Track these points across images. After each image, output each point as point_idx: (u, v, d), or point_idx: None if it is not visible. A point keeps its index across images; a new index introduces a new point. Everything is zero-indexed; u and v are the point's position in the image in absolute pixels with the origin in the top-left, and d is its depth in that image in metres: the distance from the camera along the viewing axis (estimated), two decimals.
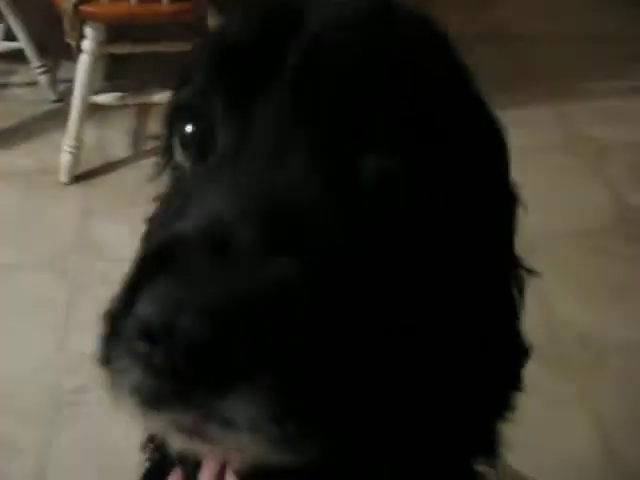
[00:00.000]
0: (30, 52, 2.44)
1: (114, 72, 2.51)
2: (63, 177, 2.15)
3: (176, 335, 0.37)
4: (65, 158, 2.13)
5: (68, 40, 1.90)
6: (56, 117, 2.38)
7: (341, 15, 0.47)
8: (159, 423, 0.41)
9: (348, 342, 0.41)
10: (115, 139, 2.33)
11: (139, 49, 2.29)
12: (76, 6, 1.85)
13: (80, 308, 1.77)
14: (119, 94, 2.16)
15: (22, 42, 2.43)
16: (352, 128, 0.44)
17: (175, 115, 0.51)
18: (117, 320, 0.41)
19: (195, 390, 0.38)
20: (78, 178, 2.18)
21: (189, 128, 0.49)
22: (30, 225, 2.05)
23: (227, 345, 0.37)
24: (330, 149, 0.44)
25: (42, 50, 2.47)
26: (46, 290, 1.84)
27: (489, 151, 0.51)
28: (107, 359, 0.41)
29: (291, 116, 0.44)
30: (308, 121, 0.44)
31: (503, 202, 0.52)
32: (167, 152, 0.53)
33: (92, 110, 2.17)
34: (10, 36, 2.50)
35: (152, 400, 0.39)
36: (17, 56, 2.49)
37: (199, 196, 0.43)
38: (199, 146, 0.48)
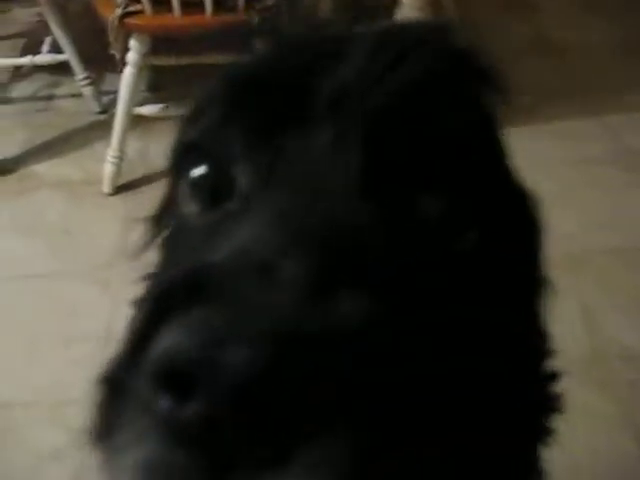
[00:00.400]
0: (75, 64, 2.48)
1: (157, 83, 2.53)
2: (106, 187, 2.18)
3: (222, 376, 0.27)
4: (108, 169, 2.16)
5: (112, 52, 1.91)
6: (100, 128, 2.41)
7: (386, 49, 0.44)
8: None
9: (410, 376, 0.34)
10: (157, 150, 2.34)
11: (183, 61, 2.31)
12: (121, 18, 1.87)
13: (122, 318, 1.78)
14: (162, 106, 2.18)
15: (67, 54, 2.46)
16: (408, 165, 0.41)
17: (182, 157, 0.46)
18: (120, 377, 0.31)
19: (249, 459, 0.28)
20: (120, 188, 2.20)
21: (200, 170, 0.43)
22: (74, 235, 2.07)
23: (299, 387, 0.28)
24: (385, 184, 0.40)
25: (86, 62, 2.50)
26: (88, 300, 1.86)
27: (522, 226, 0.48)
28: (106, 432, 0.31)
29: (334, 148, 0.40)
30: (355, 154, 0.40)
31: (532, 280, 0.49)
32: (169, 201, 0.48)
33: (135, 121, 2.19)
34: (56, 48, 2.54)
35: None
36: (62, 68, 2.53)
37: (223, 236, 0.37)
38: (212, 190, 0.43)
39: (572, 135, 2.14)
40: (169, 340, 0.27)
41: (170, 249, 0.46)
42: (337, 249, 0.34)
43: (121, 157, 2.15)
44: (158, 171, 2.26)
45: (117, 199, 2.18)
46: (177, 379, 0.27)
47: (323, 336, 0.29)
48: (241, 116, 0.42)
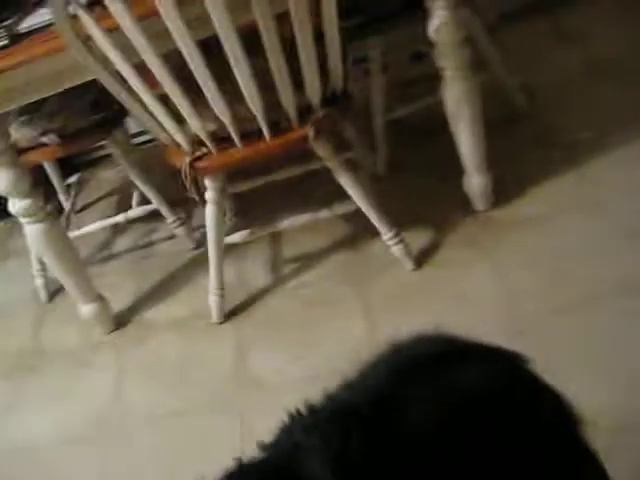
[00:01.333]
0: (164, 210, 2.66)
1: (240, 207, 2.68)
2: (215, 318, 2.30)
3: None
4: (213, 300, 2.28)
5: (190, 196, 2.05)
6: (198, 263, 2.57)
7: None
8: None
9: None
10: (254, 271, 2.47)
11: (257, 183, 2.45)
12: (191, 165, 2.01)
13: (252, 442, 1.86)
14: (249, 230, 2.30)
15: (155, 203, 2.65)
16: None
17: None
18: None
19: None
20: (228, 315, 2.32)
21: None
22: (191, 370, 2.19)
23: None
24: None
25: (173, 204, 2.68)
26: (214, 430, 1.95)
27: None
28: None
29: None
30: None
31: None
32: None
33: (228, 249, 2.32)
34: (144, 199, 2.74)
35: None
36: (154, 215, 2.71)
37: None
38: None
39: None
40: None
41: None
42: None
43: (222, 286, 2.27)
44: (259, 290, 2.38)
45: (227, 326, 2.29)
46: None
47: None
48: None
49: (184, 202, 2.57)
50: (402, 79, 2.84)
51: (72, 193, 3.00)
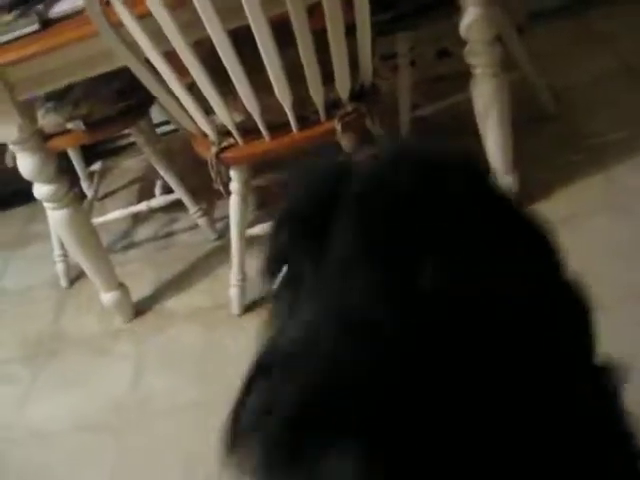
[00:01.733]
0: (186, 200, 2.66)
1: (263, 199, 2.67)
2: (235, 310, 2.30)
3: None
4: (234, 292, 2.28)
5: (216, 186, 2.05)
6: (219, 254, 2.57)
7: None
8: None
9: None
10: None
11: (283, 176, 2.45)
12: (217, 155, 2.01)
13: None
14: (271, 223, 2.29)
15: (178, 193, 2.65)
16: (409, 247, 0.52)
17: (272, 264, 0.63)
18: (238, 412, 0.52)
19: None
20: (249, 307, 2.31)
21: (284, 269, 0.61)
22: (210, 360, 2.19)
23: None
24: (390, 262, 0.52)
25: (196, 195, 2.67)
26: None
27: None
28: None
29: (354, 244, 0.53)
30: (370, 244, 0.53)
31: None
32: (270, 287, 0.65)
33: (250, 241, 2.31)
34: (166, 188, 2.74)
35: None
36: (176, 205, 2.71)
37: (294, 314, 0.54)
38: (291, 280, 0.59)
39: None
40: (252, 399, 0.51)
41: (273, 316, 0.63)
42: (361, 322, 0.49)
43: (244, 278, 2.27)
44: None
45: (247, 318, 2.29)
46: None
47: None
48: (302, 238, 0.58)
49: (206, 192, 2.57)
50: (429, 76, 2.83)
51: (95, 180, 3.00)
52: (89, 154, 3.12)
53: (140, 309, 2.49)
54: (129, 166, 3.25)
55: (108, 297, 2.40)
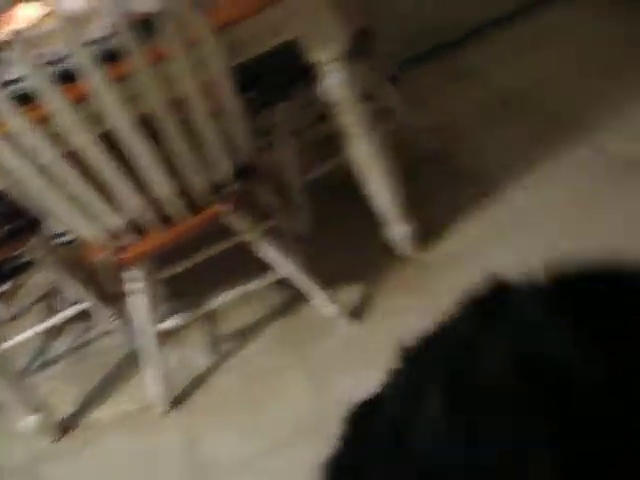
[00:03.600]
0: (97, 307, 2.62)
1: (172, 290, 2.66)
2: (160, 408, 2.26)
3: None
4: (155, 391, 2.25)
5: (113, 291, 2.03)
6: (138, 355, 2.53)
7: None
8: None
9: None
10: (194, 354, 2.45)
11: (181, 267, 2.44)
12: (116, 256, 1.99)
13: None
14: (181, 315, 2.28)
15: (87, 301, 2.61)
16: None
17: None
18: None
19: None
20: (175, 402, 2.28)
21: None
22: (142, 465, 2.14)
23: None
24: None
25: (106, 299, 2.64)
26: None
27: None
28: None
29: None
30: None
31: None
32: None
33: (165, 336, 2.29)
34: (76, 299, 2.70)
35: None
36: (88, 313, 2.66)
37: None
38: None
39: None
40: None
41: None
42: None
43: (163, 375, 2.24)
44: (203, 371, 2.35)
45: (174, 414, 2.25)
46: None
47: None
48: None
49: (114, 296, 2.54)
50: (314, 139, 2.87)
51: (3, 303, 2.94)
52: None
53: (66, 425, 2.42)
54: (35, 282, 3.19)
55: (29, 421, 2.34)
